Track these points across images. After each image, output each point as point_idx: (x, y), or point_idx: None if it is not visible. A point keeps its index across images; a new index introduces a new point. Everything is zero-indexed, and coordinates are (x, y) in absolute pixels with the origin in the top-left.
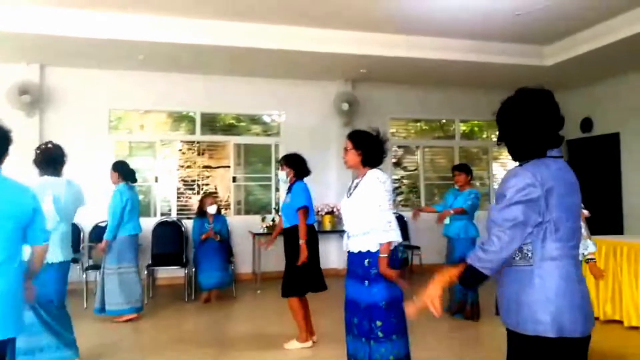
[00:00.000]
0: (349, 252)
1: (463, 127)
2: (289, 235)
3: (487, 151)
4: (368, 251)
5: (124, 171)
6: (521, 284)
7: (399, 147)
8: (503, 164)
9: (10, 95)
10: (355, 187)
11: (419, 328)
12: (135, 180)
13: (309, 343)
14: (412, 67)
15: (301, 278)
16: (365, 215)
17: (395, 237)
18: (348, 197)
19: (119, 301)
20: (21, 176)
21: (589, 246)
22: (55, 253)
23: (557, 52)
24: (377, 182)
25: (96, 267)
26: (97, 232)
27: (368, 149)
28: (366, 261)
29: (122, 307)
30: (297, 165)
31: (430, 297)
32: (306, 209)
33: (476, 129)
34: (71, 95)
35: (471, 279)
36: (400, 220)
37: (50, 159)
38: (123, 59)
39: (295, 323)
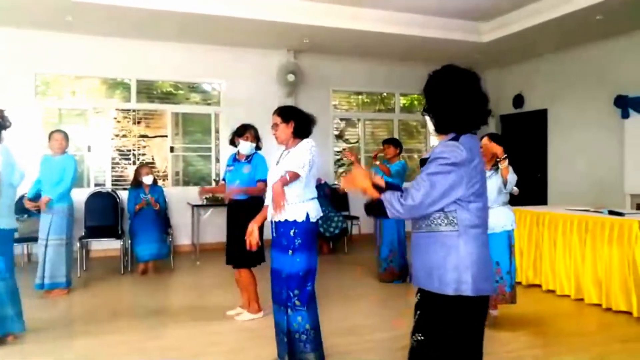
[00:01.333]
0: (274, 221)
1: (403, 101)
2: (242, 207)
3: (425, 124)
4: (294, 221)
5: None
6: (447, 248)
7: (341, 119)
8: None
9: None
10: (285, 156)
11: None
12: None
13: (261, 314)
14: (355, 39)
15: (251, 250)
16: (293, 185)
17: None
18: (277, 165)
19: (62, 274)
20: None
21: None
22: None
23: (493, 30)
24: (307, 149)
25: (25, 239)
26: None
27: (298, 120)
28: (292, 231)
29: (61, 279)
30: (258, 137)
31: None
32: (266, 183)
33: (415, 102)
34: None
35: (375, 211)
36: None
37: (4, 127)
38: (49, 19)
39: (240, 294)
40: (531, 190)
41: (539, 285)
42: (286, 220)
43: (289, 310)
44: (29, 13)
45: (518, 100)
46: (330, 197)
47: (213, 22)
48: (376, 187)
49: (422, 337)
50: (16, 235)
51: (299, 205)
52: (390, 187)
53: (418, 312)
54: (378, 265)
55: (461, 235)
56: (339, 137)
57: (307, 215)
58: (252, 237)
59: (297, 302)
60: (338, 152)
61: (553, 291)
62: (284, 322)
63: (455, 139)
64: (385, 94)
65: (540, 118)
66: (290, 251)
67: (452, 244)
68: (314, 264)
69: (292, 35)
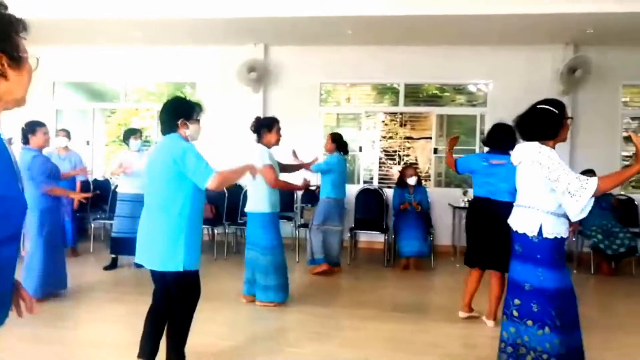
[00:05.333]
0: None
1: None
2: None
3: None
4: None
5: (338, 142)
6: None
7: (633, 118)
8: None
9: (240, 74)
10: None
11: None
12: (347, 152)
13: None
14: None
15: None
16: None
17: None
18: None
19: (323, 252)
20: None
21: None
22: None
23: None
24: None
25: (306, 225)
26: (308, 195)
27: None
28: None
29: (323, 257)
30: None
31: None
32: None
33: None
34: (289, 71)
35: None
36: (630, 203)
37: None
38: (334, 34)
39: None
40: None
41: None
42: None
43: (540, 328)
44: (319, 31)
45: None
46: (616, 209)
47: (482, 21)
48: None
49: None
50: (302, 221)
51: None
52: None
53: None
54: None
55: None
56: (630, 139)
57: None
58: None
59: (557, 322)
60: (627, 157)
61: None
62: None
63: None
64: None
65: None
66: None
67: None
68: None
69: (572, 26)
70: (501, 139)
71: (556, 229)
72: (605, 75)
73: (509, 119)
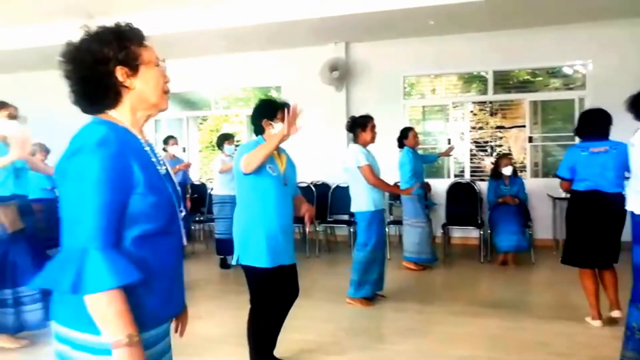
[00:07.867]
0: None
1: None
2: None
3: None
4: None
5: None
6: None
7: None
8: None
9: (323, 73)
10: None
11: None
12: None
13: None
14: None
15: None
16: None
17: None
18: None
19: (411, 250)
20: (333, 143)
21: None
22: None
23: None
24: None
25: (397, 222)
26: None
27: None
28: None
29: (413, 255)
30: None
31: None
32: None
33: None
34: (371, 67)
35: None
36: None
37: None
38: (415, 26)
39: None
40: None
41: None
42: None
43: None
44: (400, 24)
45: None
46: None
47: None
48: None
49: None
50: (391, 217)
51: None
52: None
53: None
54: None
55: None
56: None
57: None
58: None
59: None
60: None
61: None
62: None
63: None
64: None
65: None
66: None
67: None
68: None
69: None
70: (596, 125)
71: None
72: None
73: (613, 100)
